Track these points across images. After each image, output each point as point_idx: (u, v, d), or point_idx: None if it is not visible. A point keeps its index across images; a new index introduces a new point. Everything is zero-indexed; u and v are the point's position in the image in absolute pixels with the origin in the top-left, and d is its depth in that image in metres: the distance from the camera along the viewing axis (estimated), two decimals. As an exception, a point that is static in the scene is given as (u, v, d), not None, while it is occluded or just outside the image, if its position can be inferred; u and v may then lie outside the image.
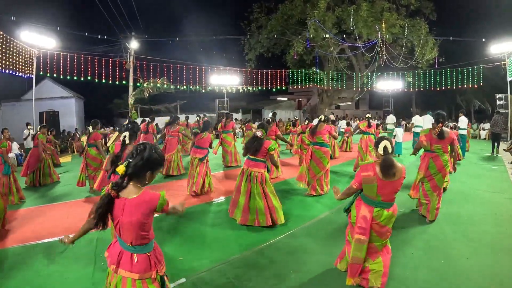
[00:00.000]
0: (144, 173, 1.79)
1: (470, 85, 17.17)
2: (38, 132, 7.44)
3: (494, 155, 10.44)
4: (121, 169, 1.74)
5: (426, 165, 4.39)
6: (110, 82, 15.14)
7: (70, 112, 19.30)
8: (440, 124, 4.28)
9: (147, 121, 8.77)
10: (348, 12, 16.16)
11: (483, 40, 15.39)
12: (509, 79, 14.90)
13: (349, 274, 2.82)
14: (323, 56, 18.77)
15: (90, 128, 6.44)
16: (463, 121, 10.29)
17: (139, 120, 16.29)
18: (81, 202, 5.81)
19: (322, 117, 5.85)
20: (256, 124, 11.19)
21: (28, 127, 11.14)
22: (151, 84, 15.40)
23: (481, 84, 16.91)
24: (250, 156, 4.39)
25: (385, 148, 2.63)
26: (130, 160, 1.77)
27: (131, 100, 16.03)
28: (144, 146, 1.81)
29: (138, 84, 16.04)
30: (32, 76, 12.97)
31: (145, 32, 16.74)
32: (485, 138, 16.00)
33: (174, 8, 28.03)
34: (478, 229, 4.16)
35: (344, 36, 17.30)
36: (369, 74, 18.96)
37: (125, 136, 3.40)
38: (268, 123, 7.91)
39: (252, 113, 24.08)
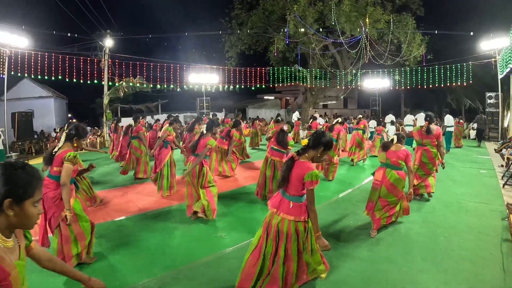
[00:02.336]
0: (319, 148, 2.43)
1: (459, 83, 16.44)
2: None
3: (480, 146, 12.50)
4: (305, 141, 2.46)
5: (420, 156, 5.26)
6: (81, 81, 14.71)
7: (48, 112, 18.95)
8: (427, 122, 5.19)
9: (155, 119, 10.34)
10: (330, 6, 15.48)
11: (471, 33, 14.62)
12: (500, 77, 14.16)
13: (366, 208, 4.23)
14: (307, 53, 18.09)
15: (133, 122, 7.12)
16: (448, 119, 11.39)
17: (127, 120, 15.81)
18: (137, 187, 6.42)
19: (340, 119, 7.27)
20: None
21: None
22: (124, 83, 14.91)
23: (471, 82, 16.17)
24: (273, 147, 5.24)
25: (387, 142, 4.19)
26: (311, 138, 2.45)
27: (105, 100, 15.58)
28: (323, 133, 2.46)
29: (110, 83, 15.56)
30: (4, 76, 12.60)
31: (121, 29, 16.21)
32: (474, 138, 15.29)
33: (153, 4, 27.38)
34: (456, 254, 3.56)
35: (326, 32, 16.62)
36: (354, 71, 18.22)
37: (203, 129, 4.58)
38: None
39: (236, 112, 23.45)
